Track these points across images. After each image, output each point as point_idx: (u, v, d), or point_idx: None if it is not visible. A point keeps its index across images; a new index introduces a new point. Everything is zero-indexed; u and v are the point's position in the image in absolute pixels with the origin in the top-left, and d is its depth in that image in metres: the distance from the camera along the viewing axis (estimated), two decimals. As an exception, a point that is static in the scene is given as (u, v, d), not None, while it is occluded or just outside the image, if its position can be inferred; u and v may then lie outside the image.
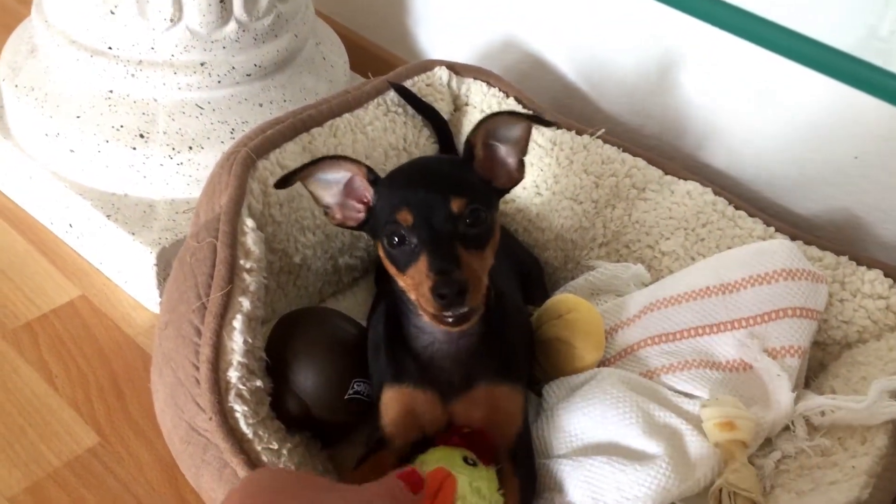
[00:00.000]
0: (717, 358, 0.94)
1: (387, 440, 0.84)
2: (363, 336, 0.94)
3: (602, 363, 0.98)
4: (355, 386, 0.90)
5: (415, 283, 0.75)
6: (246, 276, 0.88)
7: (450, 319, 0.74)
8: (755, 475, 0.84)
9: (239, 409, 0.83)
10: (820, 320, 0.97)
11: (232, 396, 0.83)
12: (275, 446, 0.83)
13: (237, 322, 0.84)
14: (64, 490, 0.94)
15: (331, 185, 0.82)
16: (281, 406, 0.88)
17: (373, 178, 0.80)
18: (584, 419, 0.89)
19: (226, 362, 0.84)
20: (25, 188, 1.28)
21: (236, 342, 0.84)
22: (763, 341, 0.92)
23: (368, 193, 0.80)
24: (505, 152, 0.83)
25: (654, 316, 0.98)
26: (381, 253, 0.78)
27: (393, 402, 0.84)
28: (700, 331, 0.95)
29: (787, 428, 0.89)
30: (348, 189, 0.82)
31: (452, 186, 0.76)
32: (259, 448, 0.82)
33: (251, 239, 0.90)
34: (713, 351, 0.94)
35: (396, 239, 0.76)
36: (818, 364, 0.99)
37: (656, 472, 0.83)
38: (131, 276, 1.16)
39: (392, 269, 0.78)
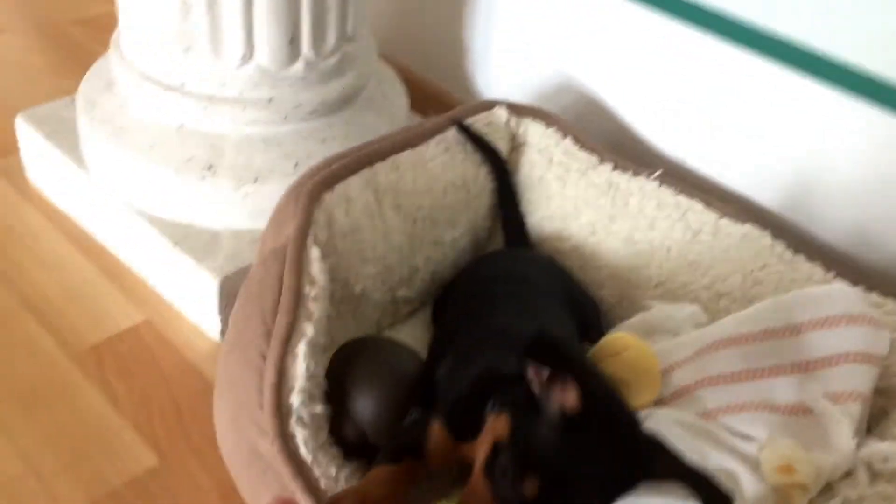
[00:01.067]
0: (776, 401, 0.93)
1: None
2: (421, 366, 0.96)
3: (657, 403, 0.98)
4: (414, 414, 0.91)
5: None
6: (311, 304, 0.90)
7: None
8: (815, 520, 0.83)
9: (299, 434, 0.84)
10: (882, 367, 0.96)
11: (293, 421, 0.85)
12: (333, 472, 0.84)
13: (301, 348, 0.86)
14: (123, 509, 0.97)
15: None
16: (339, 432, 0.90)
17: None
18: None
19: (288, 387, 0.86)
20: (96, 216, 1.32)
21: (299, 368, 0.86)
22: (824, 386, 0.92)
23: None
24: None
25: (711, 357, 0.97)
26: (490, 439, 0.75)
27: (441, 440, 0.84)
28: (759, 373, 0.95)
29: (848, 474, 0.88)
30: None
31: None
32: (317, 474, 0.84)
33: (316, 268, 0.92)
34: (772, 394, 0.93)
35: (506, 476, 0.71)
36: (880, 411, 0.97)
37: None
38: (194, 302, 1.19)
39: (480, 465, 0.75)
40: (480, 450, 0.76)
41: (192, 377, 1.12)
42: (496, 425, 0.75)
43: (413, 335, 1.14)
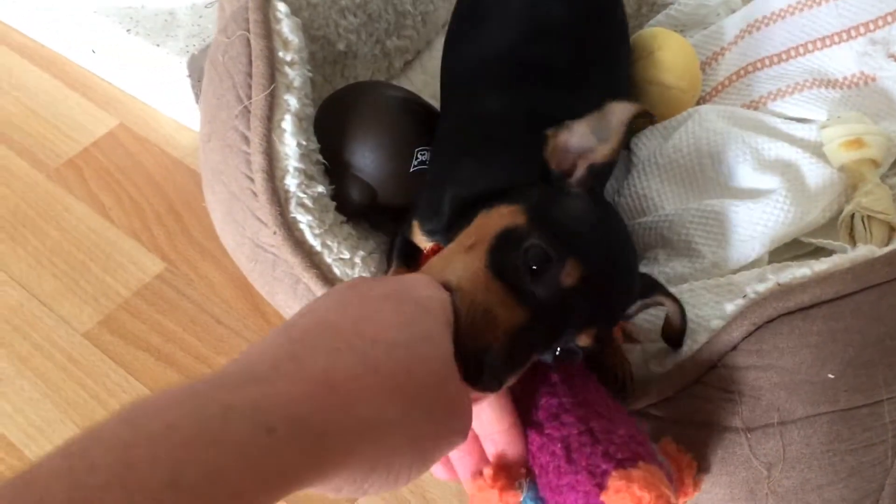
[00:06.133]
0: (832, 75, 0.81)
1: None
2: (416, 101, 0.84)
3: (700, 101, 0.87)
4: (419, 156, 0.80)
5: (483, 310, 0.49)
6: (288, 69, 0.77)
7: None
8: (890, 195, 0.74)
9: (303, 220, 0.75)
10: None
11: (293, 206, 0.75)
12: (346, 255, 0.76)
13: (286, 124, 0.75)
14: (138, 318, 0.91)
15: None
16: (344, 197, 0.79)
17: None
18: (684, 166, 0.79)
19: (281, 170, 0.75)
20: (38, 18, 1.17)
21: (289, 146, 0.75)
22: (886, 46, 0.79)
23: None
24: None
25: (754, 38, 0.84)
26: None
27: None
28: (810, 46, 0.82)
29: (923, 140, 0.78)
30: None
31: (619, 305, 0.57)
32: (330, 260, 0.75)
33: (287, 26, 0.78)
34: (827, 68, 0.81)
35: (535, 262, 0.51)
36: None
37: (773, 207, 0.73)
38: (166, 94, 1.07)
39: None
40: (474, 245, 0.55)
41: (181, 175, 1.03)
42: (498, 216, 0.56)
43: (413, 88, 1.00)
